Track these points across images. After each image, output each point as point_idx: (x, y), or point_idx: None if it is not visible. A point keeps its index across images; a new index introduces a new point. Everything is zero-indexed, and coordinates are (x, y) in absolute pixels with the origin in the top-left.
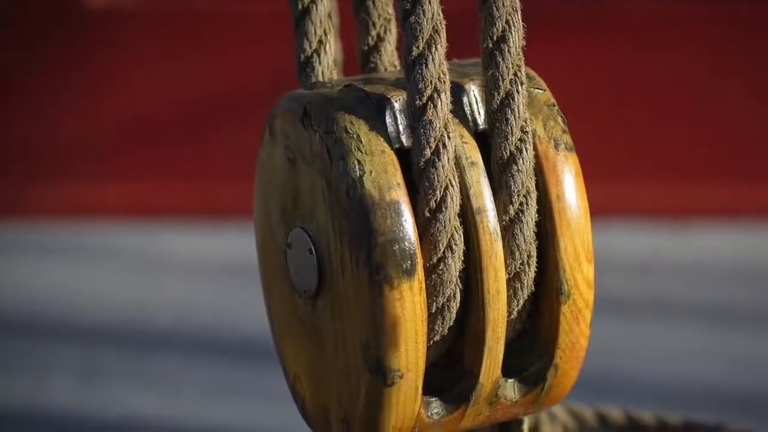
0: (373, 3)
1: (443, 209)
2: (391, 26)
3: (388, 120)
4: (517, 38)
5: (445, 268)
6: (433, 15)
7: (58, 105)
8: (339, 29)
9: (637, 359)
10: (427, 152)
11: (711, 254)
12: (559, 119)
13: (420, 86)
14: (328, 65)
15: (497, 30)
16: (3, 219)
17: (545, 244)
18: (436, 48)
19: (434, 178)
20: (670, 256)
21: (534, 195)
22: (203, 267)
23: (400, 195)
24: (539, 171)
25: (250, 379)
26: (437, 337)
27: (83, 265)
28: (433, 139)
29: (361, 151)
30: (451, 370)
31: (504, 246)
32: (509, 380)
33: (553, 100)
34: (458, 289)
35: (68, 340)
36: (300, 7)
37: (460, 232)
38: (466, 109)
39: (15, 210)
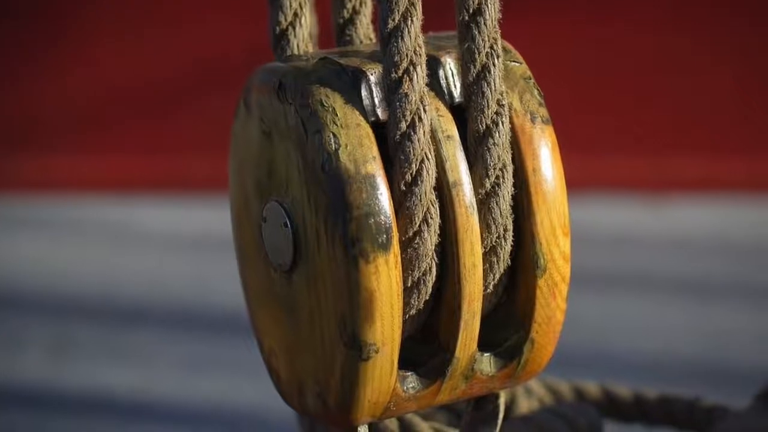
0: None
1: (419, 182)
2: None
3: (364, 93)
4: (493, 11)
5: (420, 242)
6: None
7: (30, 80)
8: (314, 2)
9: (614, 334)
10: (403, 125)
11: (688, 228)
12: (536, 92)
13: (396, 59)
14: (304, 38)
15: (473, 3)
16: None
17: (521, 217)
18: (411, 21)
19: (410, 151)
20: (647, 230)
21: (510, 168)
22: (177, 241)
23: (375, 168)
24: (515, 144)
25: (225, 354)
26: (413, 311)
27: (55, 238)
28: (408, 113)
29: (337, 125)
30: (427, 345)
31: (480, 219)
32: (485, 354)
33: (529, 73)
34: (434, 263)
35: (40, 315)
36: None
37: (436, 206)
38: (442, 82)
39: None
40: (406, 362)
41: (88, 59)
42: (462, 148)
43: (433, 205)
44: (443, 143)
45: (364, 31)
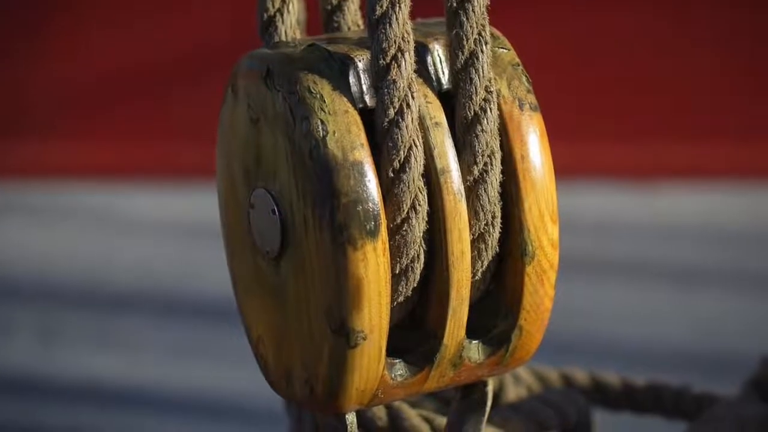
0: None
1: (407, 169)
2: None
3: (352, 80)
4: None
5: (408, 229)
6: None
7: (19, 66)
8: None
9: (602, 320)
10: (391, 112)
11: (677, 215)
12: (524, 79)
13: (384, 46)
14: (291, 25)
15: None
16: None
17: (510, 204)
18: (399, 7)
19: (398, 138)
20: (636, 217)
21: (498, 155)
22: (165, 227)
23: (363, 155)
24: (504, 131)
25: (213, 341)
26: (401, 299)
27: (44, 225)
28: (396, 99)
29: (325, 111)
30: (415, 332)
31: (468, 206)
32: (474, 342)
33: (517, 59)
34: (422, 250)
35: (29, 302)
36: None
37: (424, 193)
38: (430, 68)
39: None
40: (394, 350)
41: (78, 45)
42: (450, 134)
43: (421, 192)
44: (431, 130)
45: (352, 17)
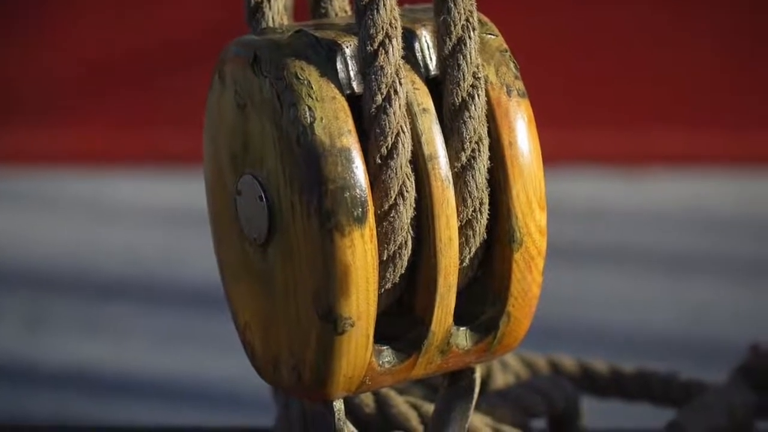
0: None
1: (394, 156)
2: None
3: (339, 66)
4: None
5: (396, 216)
6: None
7: (6, 54)
8: None
9: (591, 307)
10: (379, 98)
11: (665, 201)
12: (512, 65)
13: (371, 32)
14: (279, 11)
15: None
16: None
17: (497, 191)
18: None
19: (385, 124)
20: (624, 204)
21: (486, 142)
22: (152, 214)
23: (351, 142)
24: (491, 117)
25: (200, 327)
26: (389, 285)
27: (31, 212)
28: (384, 86)
29: (312, 98)
30: (402, 319)
31: (456, 193)
32: (461, 328)
33: (505, 45)
34: (410, 237)
35: (15, 288)
36: None
37: (412, 179)
38: (417, 55)
39: None
40: (381, 336)
41: (65, 33)
42: (438, 121)
43: (408, 179)
44: (419, 116)
45: (340, 3)
